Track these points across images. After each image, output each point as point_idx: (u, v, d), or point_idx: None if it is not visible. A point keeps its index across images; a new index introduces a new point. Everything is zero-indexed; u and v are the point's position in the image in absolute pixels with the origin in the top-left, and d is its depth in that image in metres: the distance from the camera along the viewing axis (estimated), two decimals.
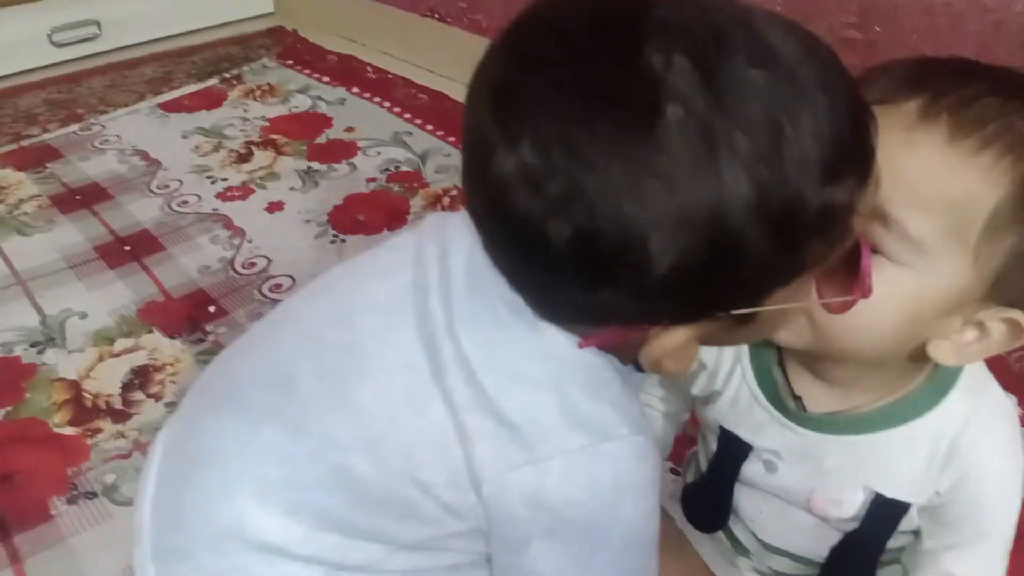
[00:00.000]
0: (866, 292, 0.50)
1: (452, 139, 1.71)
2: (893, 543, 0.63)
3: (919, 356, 0.55)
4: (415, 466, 0.53)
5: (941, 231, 0.50)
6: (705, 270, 0.43)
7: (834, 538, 0.64)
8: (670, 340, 0.49)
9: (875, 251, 0.51)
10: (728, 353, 0.64)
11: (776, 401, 0.62)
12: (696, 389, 0.67)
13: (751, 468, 0.65)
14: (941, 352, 0.54)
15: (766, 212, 0.42)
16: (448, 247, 0.55)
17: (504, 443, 0.51)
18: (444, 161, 1.64)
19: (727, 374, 0.64)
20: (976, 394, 0.58)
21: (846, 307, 0.52)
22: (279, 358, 0.59)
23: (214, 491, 0.57)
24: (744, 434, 0.64)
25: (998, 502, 0.59)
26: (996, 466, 0.59)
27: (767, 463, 0.63)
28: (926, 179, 0.50)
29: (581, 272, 0.45)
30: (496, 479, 0.51)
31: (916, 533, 0.62)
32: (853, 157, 0.45)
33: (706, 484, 0.70)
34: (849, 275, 0.51)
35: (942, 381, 0.58)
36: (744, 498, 0.68)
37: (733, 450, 0.65)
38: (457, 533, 0.55)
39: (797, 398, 0.61)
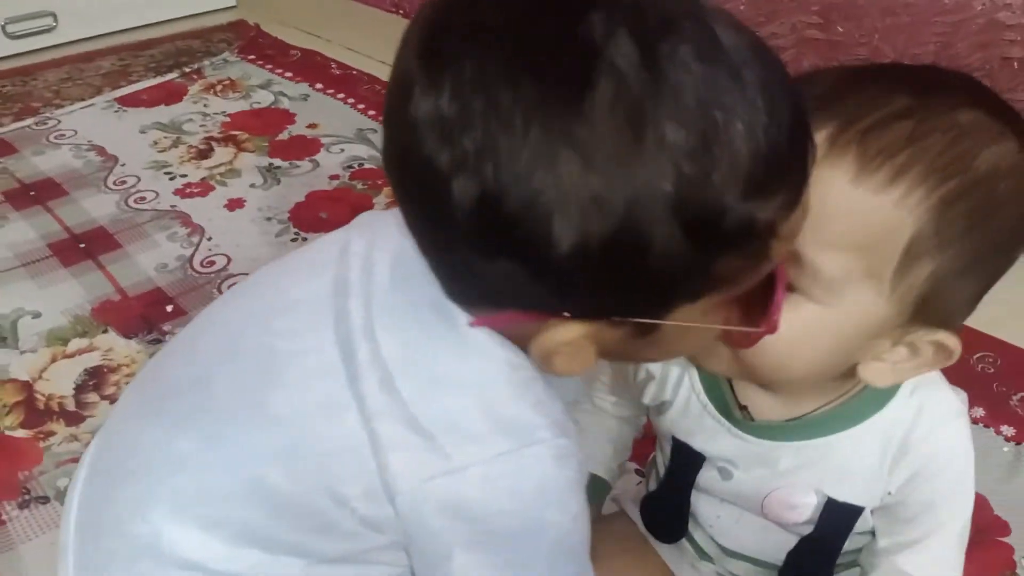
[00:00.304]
0: (772, 328, 0.49)
1: None
2: (851, 545, 0.63)
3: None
4: (330, 477, 0.51)
5: (855, 270, 0.49)
6: (607, 260, 0.41)
7: (792, 542, 0.64)
8: (564, 333, 0.46)
9: (791, 288, 0.50)
10: (675, 362, 0.63)
11: (725, 410, 0.61)
12: (647, 398, 0.66)
13: (707, 476, 0.64)
14: (873, 374, 0.54)
15: (682, 211, 0.40)
16: (375, 243, 0.53)
17: (419, 452, 0.49)
18: None
19: (676, 383, 0.64)
20: (924, 391, 0.58)
21: (752, 340, 0.51)
22: (199, 362, 0.57)
23: (130, 505, 0.54)
24: (697, 443, 0.63)
25: (951, 497, 0.59)
26: (947, 461, 0.58)
27: (722, 470, 0.63)
28: (836, 219, 0.48)
29: (481, 237, 0.42)
30: (411, 491, 0.49)
31: (873, 534, 0.62)
32: (784, 174, 0.43)
33: (662, 494, 0.70)
34: (761, 307, 0.49)
35: None
36: (702, 504, 0.67)
37: (686, 460, 0.64)
38: (380, 547, 0.53)
39: (744, 408, 0.61)
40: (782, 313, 0.50)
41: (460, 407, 0.49)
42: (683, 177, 0.39)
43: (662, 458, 0.70)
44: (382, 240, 0.52)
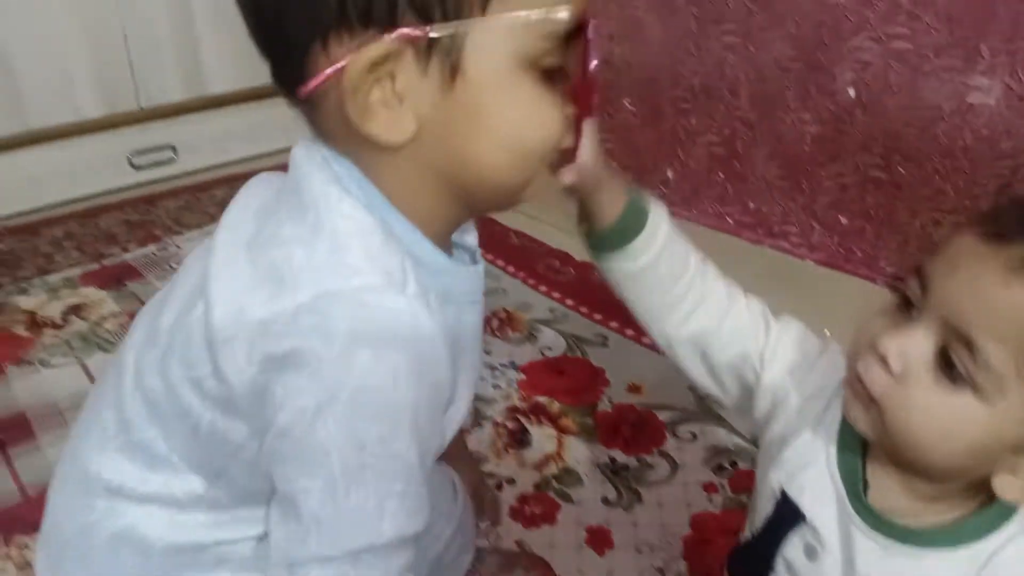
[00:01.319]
0: (587, 92, 0.55)
1: (500, 262, 1.78)
2: None
3: (983, 485, 0.57)
4: (188, 363, 0.55)
5: (1018, 367, 0.52)
6: None
7: None
8: (369, 52, 0.48)
9: (960, 379, 0.54)
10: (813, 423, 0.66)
11: (849, 477, 0.63)
12: (763, 415, 0.71)
13: (793, 549, 0.65)
14: (1007, 488, 0.56)
15: None
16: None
17: (240, 304, 0.52)
18: (490, 284, 1.69)
19: (811, 440, 0.66)
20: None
21: (576, 119, 0.56)
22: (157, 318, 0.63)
23: (70, 447, 0.63)
24: (804, 503, 0.65)
25: None
26: None
27: (808, 548, 0.64)
28: (1012, 316, 0.52)
29: None
30: (231, 340, 0.51)
31: None
32: None
33: (756, 543, 0.71)
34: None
35: (998, 512, 0.59)
36: None
37: (787, 515, 0.66)
38: (251, 452, 0.55)
39: (865, 483, 0.63)
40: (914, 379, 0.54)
41: (285, 257, 0.51)
42: None
43: (759, 514, 0.70)
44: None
